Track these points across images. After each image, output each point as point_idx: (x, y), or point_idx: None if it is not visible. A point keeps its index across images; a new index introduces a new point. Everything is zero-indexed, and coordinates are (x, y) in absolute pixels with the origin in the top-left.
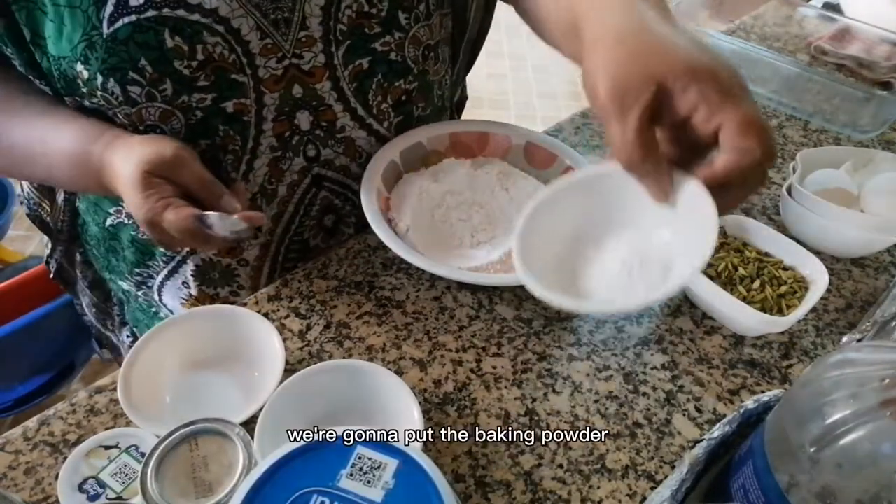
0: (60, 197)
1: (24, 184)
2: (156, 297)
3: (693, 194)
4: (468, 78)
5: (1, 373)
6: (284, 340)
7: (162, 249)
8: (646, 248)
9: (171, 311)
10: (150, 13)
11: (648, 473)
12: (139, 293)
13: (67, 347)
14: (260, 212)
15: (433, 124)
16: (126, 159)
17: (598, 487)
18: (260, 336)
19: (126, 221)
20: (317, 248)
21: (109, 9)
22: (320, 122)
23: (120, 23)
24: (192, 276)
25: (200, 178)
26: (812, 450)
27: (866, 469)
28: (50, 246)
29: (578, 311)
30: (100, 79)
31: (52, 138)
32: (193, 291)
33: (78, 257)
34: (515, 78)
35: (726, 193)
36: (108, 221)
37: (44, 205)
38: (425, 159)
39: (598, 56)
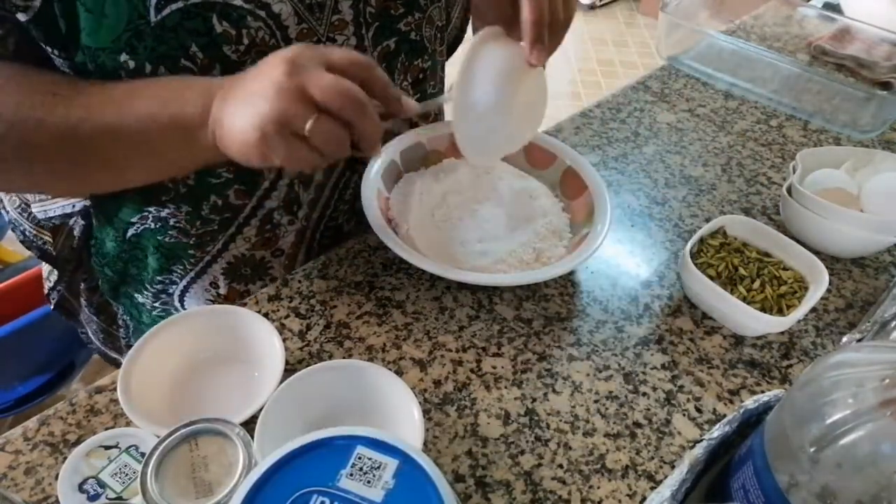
0: (77, 222)
1: (14, 213)
2: (176, 303)
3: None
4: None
5: (1, 373)
6: (284, 340)
7: (192, 251)
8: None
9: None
10: None
11: (648, 473)
12: (156, 304)
13: (67, 347)
14: (298, 195)
15: (433, 124)
16: (274, 53)
17: (598, 487)
18: (260, 336)
19: (152, 227)
20: (349, 234)
21: None
22: None
23: (168, 10)
24: (222, 273)
25: (384, 80)
26: (812, 450)
27: (866, 469)
28: (53, 278)
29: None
30: (148, 67)
31: (132, 101)
32: (223, 290)
33: (82, 285)
34: None
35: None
36: (130, 232)
37: (44, 236)
38: (425, 159)
39: None
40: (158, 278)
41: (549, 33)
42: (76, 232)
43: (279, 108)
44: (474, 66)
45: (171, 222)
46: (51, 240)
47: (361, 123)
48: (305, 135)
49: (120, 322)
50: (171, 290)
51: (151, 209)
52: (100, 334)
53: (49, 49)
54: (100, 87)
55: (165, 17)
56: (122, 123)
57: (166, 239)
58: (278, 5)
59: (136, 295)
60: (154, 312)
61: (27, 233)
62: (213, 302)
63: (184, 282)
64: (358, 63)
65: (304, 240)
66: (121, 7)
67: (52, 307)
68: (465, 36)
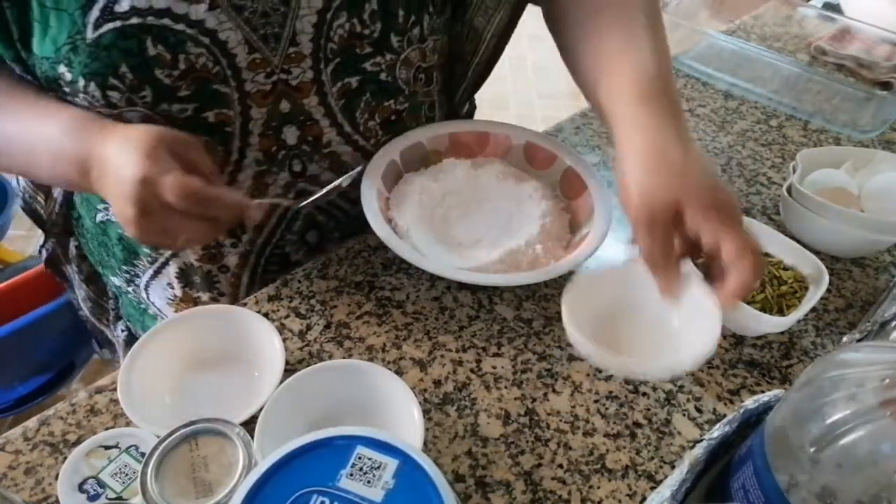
0: (57, 190)
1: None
2: (143, 295)
3: (699, 292)
4: (487, 93)
5: (1, 373)
6: (284, 340)
7: (146, 249)
8: (659, 330)
9: (159, 310)
10: (135, 20)
11: (648, 473)
12: (129, 289)
13: (67, 347)
14: (241, 222)
15: (433, 124)
16: (133, 128)
17: (598, 487)
18: (260, 336)
19: (113, 219)
20: (298, 264)
21: (95, 14)
22: (307, 138)
23: (104, 28)
24: (175, 277)
25: (209, 165)
26: (812, 450)
27: (866, 469)
28: (43, 237)
29: (618, 371)
30: (81, 82)
31: (40, 124)
32: (178, 293)
33: (73, 250)
34: (515, 78)
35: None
36: (98, 217)
37: (38, 197)
38: (425, 159)
39: (630, 170)
40: (125, 268)
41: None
42: (58, 200)
43: (144, 240)
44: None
45: None
46: (43, 202)
47: (206, 213)
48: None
49: (110, 294)
50: (137, 282)
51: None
52: (88, 303)
53: (3, 49)
54: (20, 101)
55: (101, 35)
56: (15, 140)
57: (125, 232)
58: (226, 33)
59: (112, 277)
60: (129, 296)
61: (27, 194)
62: (172, 301)
63: (145, 277)
64: (191, 201)
65: (248, 263)
66: (63, 20)
67: (43, 264)
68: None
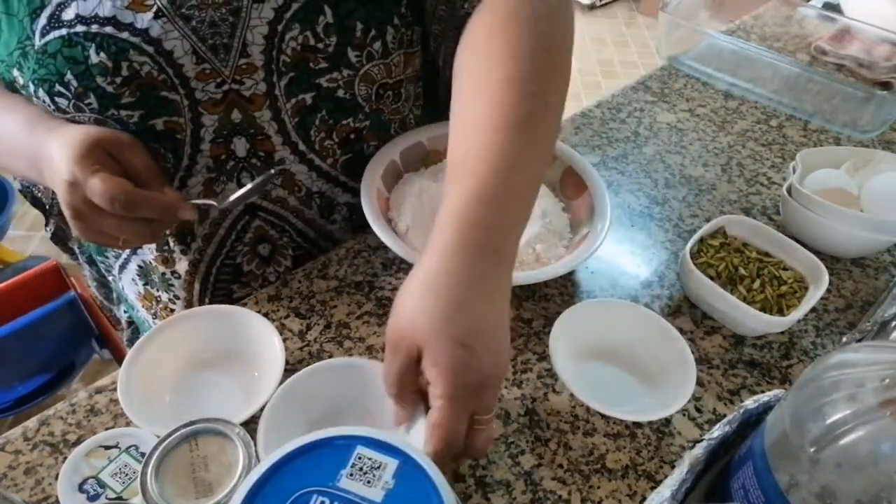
0: None
1: None
2: (119, 285)
3: (672, 339)
4: None
5: (1, 373)
6: (284, 340)
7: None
8: (640, 370)
9: (132, 305)
10: (80, 28)
11: (648, 473)
12: (109, 277)
13: (67, 347)
14: (192, 226)
15: (433, 124)
16: (74, 129)
17: (598, 487)
18: (260, 336)
19: None
20: (251, 274)
21: (42, 21)
22: (257, 152)
23: (50, 36)
24: (137, 274)
25: (148, 164)
26: (812, 450)
27: (866, 469)
28: (45, 219)
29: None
30: (31, 87)
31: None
32: (140, 289)
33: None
34: None
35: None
36: None
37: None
38: (425, 159)
39: (403, 294)
40: (99, 258)
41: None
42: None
43: (85, 238)
44: None
45: None
46: (42, 188)
47: (117, 228)
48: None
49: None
50: (112, 272)
51: None
52: (94, 282)
53: None
54: None
55: (48, 42)
56: None
57: None
58: (172, 42)
59: (99, 262)
60: (118, 283)
61: (24, 179)
62: (139, 296)
63: (115, 269)
64: (118, 203)
65: (199, 271)
66: (13, 26)
67: (50, 238)
68: None
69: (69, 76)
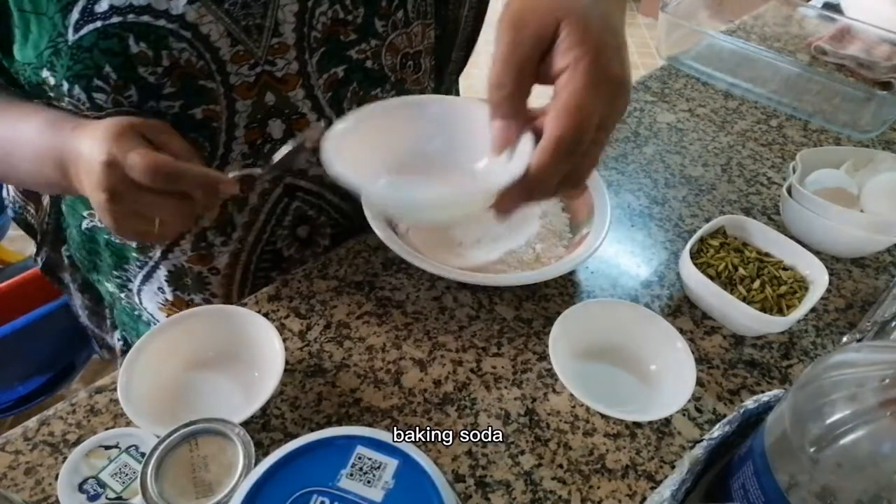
0: (46, 199)
1: (10, 187)
2: (136, 299)
3: (673, 339)
4: (469, 78)
5: (1, 373)
6: (284, 340)
7: (135, 253)
8: (640, 370)
9: (152, 315)
10: (115, 19)
11: (648, 473)
12: (122, 295)
13: (67, 347)
14: (231, 216)
15: None
16: (103, 120)
17: (598, 487)
18: (260, 336)
19: (100, 225)
20: (291, 259)
21: (75, 16)
22: (293, 131)
23: (85, 29)
24: (165, 281)
25: (184, 147)
26: (812, 450)
27: (866, 469)
28: (36, 247)
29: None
30: (66, 85)
31: (16, 129)
32: (169, 297)
33: (66, 260)
34: None
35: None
36: (84, 224)
37: (29, 207)
38: None
39: None
40: (115, 273)
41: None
42: (46, 207)
43: (119, 229)
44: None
45: None
46: (34, 211)
47: (159, 208)
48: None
49: (105, 302)
50: (129, 286)
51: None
52: (85, 310)
53: None
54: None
55: (83, 36)
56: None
57: (113, 238)
58: (208, 26)
59: (105, 283)
60: (122, 303)
61: (17, 204)
62: (164, 306)
63: (136, 281)
64: (159, 177)
65: (240, 261)
66: (43, 24)
67: (40, 269)
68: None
69: (108, 69)
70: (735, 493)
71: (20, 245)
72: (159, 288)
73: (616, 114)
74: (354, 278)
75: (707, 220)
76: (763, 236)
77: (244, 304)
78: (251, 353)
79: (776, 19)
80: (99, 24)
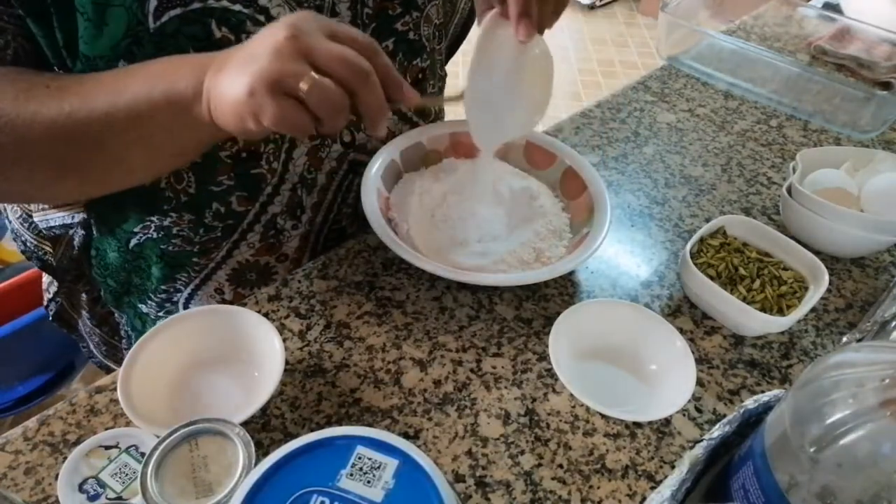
0: (77, 232)
1: (17, 223)
2: (181, 311)
3: (673, 339)
4: (455, 66)
5: (1, 373)
6: (284, 340)
7: (195, 258)
8: (640, 370)
9: None
10: (196, 5)
11: (648, 473)
12: (160, 313)
13: (67, 347)
14: (301, 199)
15: (433, 124)
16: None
17: (598, 487)
18: (260, 336)
19: (154, 236)
20: (353, 237)
21: (153, 3)
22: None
23: (166, 16)
24: (227, 280)
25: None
26: (812, 450)
27: (866, 469)
28: (53, 289)
29: None
30: None
31: (133, 74)
32: (228, 296)
33: (84, 297)
34: None
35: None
36: (133, 242)
37: (44, 246)
38: (425, 159)
39: None
40: (163, 287)
41: (539, 3)
42: (76, 242)
43: (273, 66)
44: (480, 54)
45: (174, 231)
46: (51, 250)
47: (365, 93)
48: (301, 96)
49: (122, 333)
50: (175, 299)
51: (154, 218)
52: (102, 346)
53: (50, 55)
54: (93, 76)
55: (164, 23)
56: (116, 106)
57: (169, 248)
58: (277, 9)
59: (139, 305)
60: (158, 322)
61: (28, 243)
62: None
63: (188, 289)
64: (363, 41)
65: (308, 244)
66: (120, 15)
67: (50, 318)
68: (472, 30)
69: (192, 54)
70: (735, 493)
71: None
72: (217, 289)
73: None
74: (354, 278)
75: (707, 220)
76: (763, 236)
77: (244, 304)
78: (251, 353)
79: (776, 19)
80: (179, 10)
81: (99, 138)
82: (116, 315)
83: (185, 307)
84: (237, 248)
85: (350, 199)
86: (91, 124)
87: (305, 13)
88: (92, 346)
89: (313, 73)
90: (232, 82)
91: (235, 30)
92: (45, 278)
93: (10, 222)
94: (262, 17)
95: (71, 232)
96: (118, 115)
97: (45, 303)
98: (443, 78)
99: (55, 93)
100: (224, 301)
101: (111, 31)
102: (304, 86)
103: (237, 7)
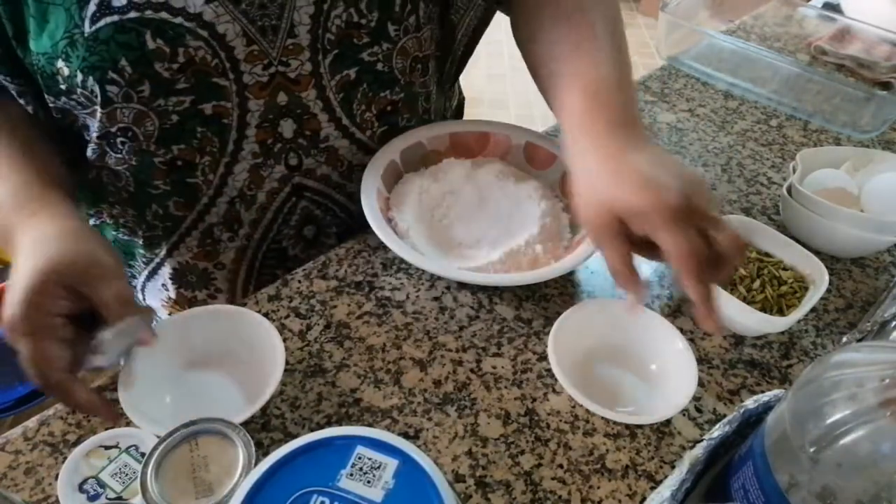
0: None
1: None
2: (140, 297)
3: (673, 339)
4: (470, 78)
5: (1, 373)
6: (284, 340)
7: (141, 250)
8: (640, 370)
9: (155, 313)
10: (133, 14)
11: (648, 473)
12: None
13: None
14: (239, 213)
15: (433, 124)
16: (40, 243)
17: (598, 487)
18: (260, 336)
19: (108, 221)
20: (295, 258)
21: (92, 8)
22: (304, 131)
23: (102, 22)
24: (170, 278)
25: (119, 295)
26: (812, 450)
27: (866, 469)
28: None
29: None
30: (79, 77)
31: None
32: (172, 294)
33: None
34: (515, 78)
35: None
36: (92, 221)
37: None
38: (425, 159)
39: (580, 186)
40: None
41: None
42: None
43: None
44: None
45: (121, 221)
46: None
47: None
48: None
49: None
50: (133, 283)
51: (104, 206)
52: None
53: None
54: None
55: (99, 28)
56: None
57: (120, 235)
58: (224, 25)
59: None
60: (159, 321)
61: None
62: (167, 303)
63: (141, 279)
64: (40, 365)
65: (246, 258)
66: (60, 15)
67: None
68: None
69: (123, 62)
70: (735, 493)
71: None
72: (163, 285)
73: (700, 201)
74: (354, 278)
75: None
76: (763, 236)
77: (244, 304)
78: (251, 353)
79: (776, 19)
80: (116, 17)
81: None
82: None
83: (143, 294)
84: (177, 249)
85: (293, 221)
86: None
87: (20, 306)
88: None
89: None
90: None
91: (172, 42)
92: None
93: None
94: (204, 32)
95: None
96: None
97: None
98: (430, 110)
99: None
100: (169, 298)
101: (51, 29)
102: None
103: (178, 20)
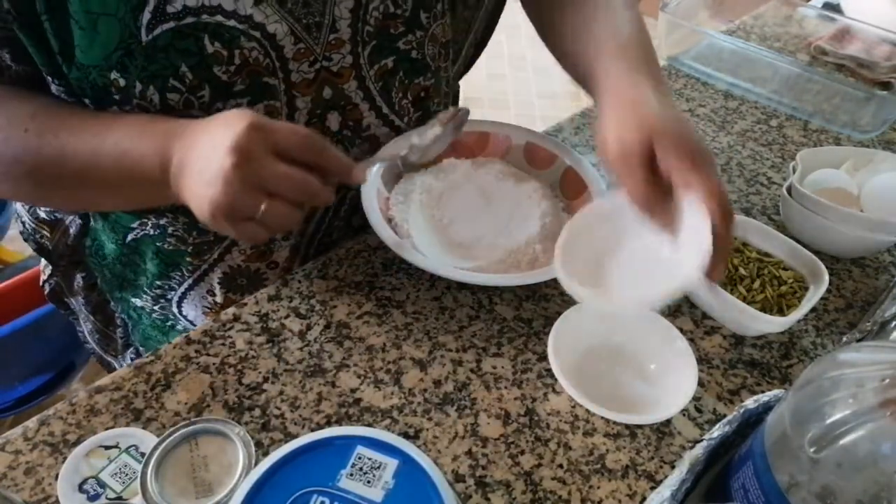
0: (70, 219)
1: (18, 205)
2: (174, 309)
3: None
4: (470, 78)
5: (1, 373)
6: (284, 340)
7: (188, 258)
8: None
9: (191, 322)
10: (190, 19)
11: (648, 473)
12: (156, 307)
13: (67, 347)
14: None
15: None
16: (226, 116)
17: (598, 487)
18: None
19: (151, 233)
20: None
21: (147, 16)
22: (348, 122)
23: (159, 30)
24: (218, 283)
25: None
26: (812, 450)
27: (866, 469)
28: (48, 271)
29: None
30: (139, 87)
31: (97, 139)
32: (219, 298)
33: (80, 282)
34: (515, 78)
35: None
36: (130, 237)
37: (43, 231)
38: None
39: (605, 119)
40: (157, 283)
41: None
42: (72, 230)
43: (226, 200)
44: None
45: (170, 230)
46: (48, 234)
47: (313, 202)
48: (257, 218)
49: (118, 321)
50: (169, 296)
51: (151, 216)
52: (95, 335)
53: (42, 65)
54: (66, 124)
55: (157, 36)
56: (87, 170)
57: (165, 246)
58: (274, 25)
59: (133, 299)
60: (154, 315)
61: (27, 224)
62: (210, 309)
63: (182, 288)
64: (306, 145)
65: (299, 254)
66: (113, 26)
67: (46, 295)
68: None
69: (184, 68)
70: (735, 493)
71: (20, 245)
72: (209, 291)
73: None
74: (354, 278)
75: None
76: (763, 236)
77: (244, 304)
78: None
79: (776, 19)
80: (173, 24)
81: (77, 192)
82: (112, 304)
83: (178, 305)
84: (229, 254)
85: (342, 213)
86: (64, 178)
87: (246, 128)
88: (86, 333)
89: (263, 205)
90: (195, 202)
91: (228, 45)
92: (43, 260)
93: (12, 202)
94: (256, 33)
95: (68, 220)
96: (91, 175)
97: (41, 282)
98: (453, 95)
99: (33, 138)
100: (215, 303)
101: (103, 40)
102: (258, 214)
103: (231, 23)
